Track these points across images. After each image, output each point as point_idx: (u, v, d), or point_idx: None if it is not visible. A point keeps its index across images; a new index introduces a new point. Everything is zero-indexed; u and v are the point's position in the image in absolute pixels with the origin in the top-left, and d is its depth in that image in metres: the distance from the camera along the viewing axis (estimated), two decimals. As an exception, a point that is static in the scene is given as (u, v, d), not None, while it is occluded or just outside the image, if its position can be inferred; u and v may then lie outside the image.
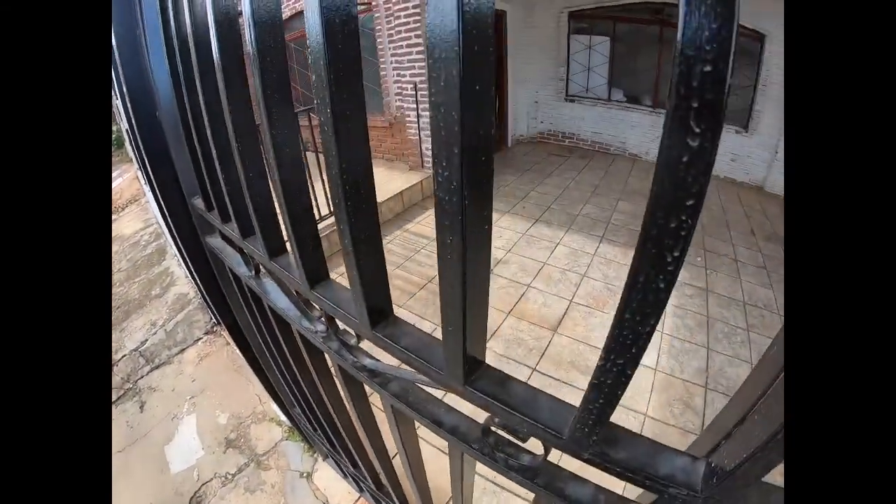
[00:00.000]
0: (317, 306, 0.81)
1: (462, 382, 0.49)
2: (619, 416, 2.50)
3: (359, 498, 2.11)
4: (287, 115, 0.59)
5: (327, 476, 2.30)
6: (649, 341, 0.33)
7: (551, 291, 3.73)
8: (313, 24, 0.40)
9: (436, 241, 0.40)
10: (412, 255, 4.39)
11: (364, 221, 0.50)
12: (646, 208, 0.27)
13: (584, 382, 2.75)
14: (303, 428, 2.06)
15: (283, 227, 0.81)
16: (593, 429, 0.42)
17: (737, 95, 6.52)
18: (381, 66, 5.78)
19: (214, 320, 3.81)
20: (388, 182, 5.53)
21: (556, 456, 0.51)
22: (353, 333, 0.71)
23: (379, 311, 0.57)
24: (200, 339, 3.77)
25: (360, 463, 1.52)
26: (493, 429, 0.55)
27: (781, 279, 3.81)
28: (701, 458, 0.43)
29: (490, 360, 2.57)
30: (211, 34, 0.63)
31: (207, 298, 1.66)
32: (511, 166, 6.93)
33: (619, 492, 0.55)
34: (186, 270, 3.20)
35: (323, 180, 3.80)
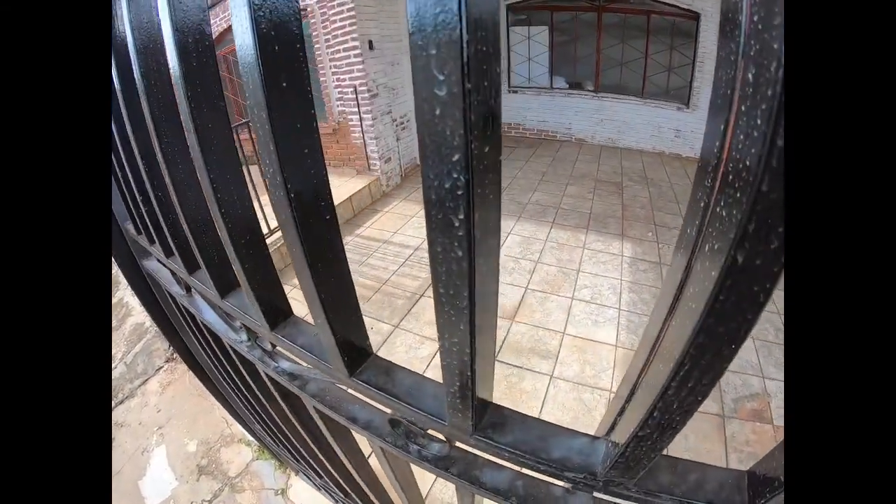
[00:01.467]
0: (233, 315, 0.81)
1: (347, 374, 0.50)
2: (584, 396, 2.56)
3: None
4: (176, 137, 0.59)
5: (302, 490, 2.29)
6: (474, 317, 0.32)
7: (506, 281, 3.76)
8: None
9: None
10: (365, 259, 4.36)
11: (242, 225, 0.50)
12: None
13: (546, 367, 2.82)
14: (268, 445, 2.03)
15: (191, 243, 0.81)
16: (465, 412, 0.42)
17: (676, 74, 6.72)
18: (321, 71, 5.73)
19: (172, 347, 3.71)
20: (337, 188, 5.47)
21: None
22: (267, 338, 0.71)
23: (275, 312, 0.57)
24: (161, 367, 3.67)
25: (322, 474, 1.51)
26: (399, 419, 0.55)
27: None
28: (601, 438, 0.43)
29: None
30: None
31: (154, 323, 1.63)
32: (460, 162, 6.98)
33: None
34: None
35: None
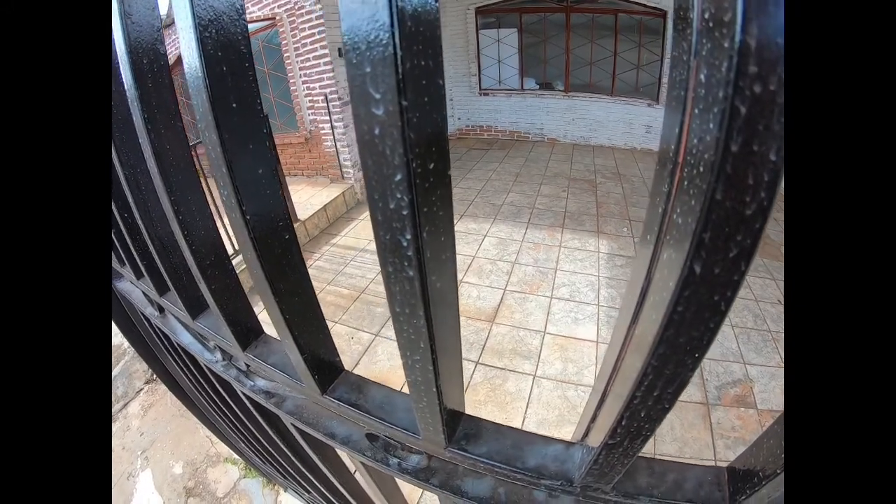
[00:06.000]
0: (205, 336, 0.80)
1: (319, 392, 0.49)
2: (569, 393, 2.58)
3: None
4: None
5: (291, 505, 2.24)
6: (433, 334, 0.32)
7: (484, 283, 3.77)
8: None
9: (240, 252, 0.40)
10: (342, 268, 4.33)
11: (206, 246, 0.49)
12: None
13: (528, 367, 2.82)
14: (254, 462, 2.00)
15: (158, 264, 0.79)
16: (435, 425, 0.41)
17: (645, 71, 6.83)
18: (291, 80, 5.69)
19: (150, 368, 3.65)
20: (311, 198, 5.45)
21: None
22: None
23: (246, 332, 0.57)
24: (142, 389, 3.61)
25: (310, 489, 1.50)
26: (376, 434, 0.55)
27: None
28: (576, 444, 0.42)
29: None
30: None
31: (129, 346, 1.60)
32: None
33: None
34: (114, 321, 3.06)
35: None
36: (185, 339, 0.93)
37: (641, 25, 6.63)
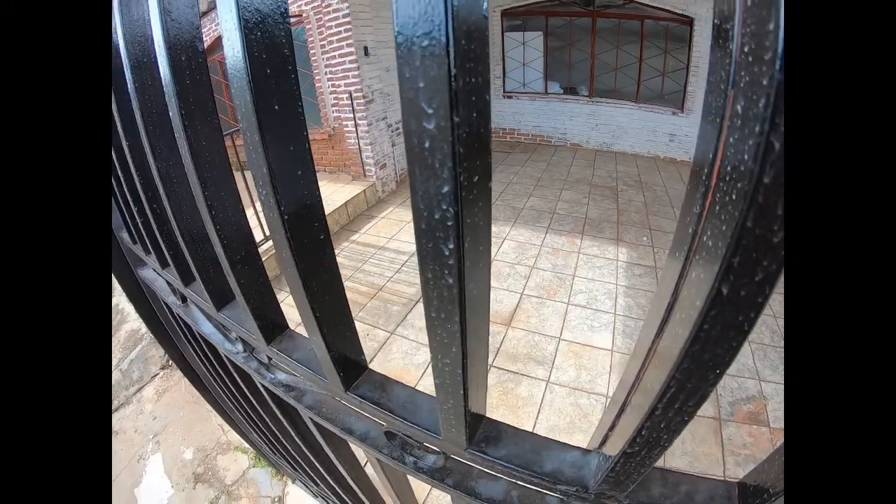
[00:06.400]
0: (228, 328, 0.81)
1: (343, 389, 0.50)
2: (581, 401, 2.57)
3: None
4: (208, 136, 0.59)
5: (298, 498, 2.28)
6: (466, 340, 0.33)
7: (502, 286, 3.76)
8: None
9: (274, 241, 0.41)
10: (360, 265, 4.35)
11: (237, 241, 0.50)
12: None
13: (542, 372, 2.81)
14: (265, 453, 2.03)
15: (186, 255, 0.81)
16: (458, 427, 0.42)
17: (670, 78, 6.76)
18: (316, 77, 5.72)
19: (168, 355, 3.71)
20: (333, 194, 5.48)
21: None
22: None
23: (271, 327, 0.58)
24: (157, 374, 3.66)
25: (319, 482, 1.51)
26: (395, 432, 0.56)
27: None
28: (593, 452, 0.43)
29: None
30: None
31: (149, 332, 1.63)
32: (454, 166, 6.97)
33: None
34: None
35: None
36: (207, 328, 0.94)
37: (668, 32, 6.57)
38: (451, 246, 0.26)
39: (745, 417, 2.50)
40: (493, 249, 4.34)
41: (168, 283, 1.06)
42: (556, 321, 3.21)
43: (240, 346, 0.81)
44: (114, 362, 3.97)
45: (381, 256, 4.46)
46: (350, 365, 0.49)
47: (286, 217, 0.35)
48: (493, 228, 3.79)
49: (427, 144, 0.24)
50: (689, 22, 6.26)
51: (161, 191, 0.63)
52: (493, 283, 3.74)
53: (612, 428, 0.40)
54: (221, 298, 0.69)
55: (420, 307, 3.55)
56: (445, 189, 0.24)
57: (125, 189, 0.85)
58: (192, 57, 0.48)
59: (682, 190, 5.72)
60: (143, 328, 4.25)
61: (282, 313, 0.59)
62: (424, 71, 0.22)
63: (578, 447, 0.44)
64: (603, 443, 0.42)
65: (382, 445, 0.60)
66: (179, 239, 0.66)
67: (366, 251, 4.61)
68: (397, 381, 0.50)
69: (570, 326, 3.13)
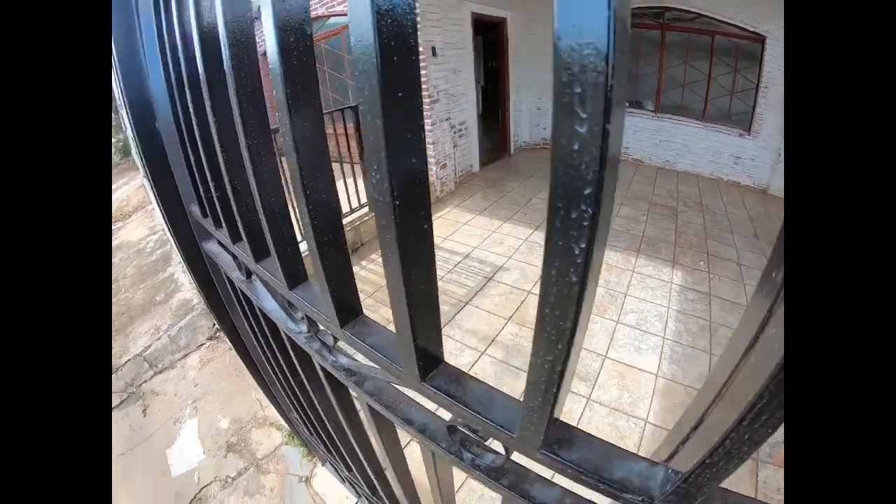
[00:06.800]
0: (297, 307, 0.83)
1: (419, 379, 0.50)
2: (619, 422, 2.51)
3: (356, 503, 2.10)
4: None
5: (326, 481, 2.31)
6: (573, 337, 0.33)
7: (554, 297, 3.67)
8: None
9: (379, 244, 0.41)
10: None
11: (327, 223, 0.51)
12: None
13: (584, 388, 2.77)
14: (301, 433, 2.07)
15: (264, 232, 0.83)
16: (539, 427, 0.42)
17: (739, 98, 6.53)
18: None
19: (217, 326, 3.84)
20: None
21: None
22: (331, 333, 0.73)
23: (347, 310, 0.59)
24: (203, 344, 3.80)
25: (353, 468, 1.54)
26: (458, 427, 0.56)
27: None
28: (660, 464, 0.43)
29: (489, 366, 2.52)
30: (195, 46, 0.65)
31: (206, 303, 1.69)
32: (514, 173, 6.91)
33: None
34: (190, 276, 3.24)
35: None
36: (270, 305, 0.97)
37: (738, 50, 6.33)
38: (583, 245, 0.27)
39: (783, 461, 2.38)
40: (544, 259, 4.28)
41: (235, 257, 1.10)
42: (603, 338, 3.14)
43: (303, 327, 0.82)
44: (163, 327, 4.16)
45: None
46: (429, 356, 0.49)
47: (397, 203, 0.36)
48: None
49: (576, 146, 0.24)
50: (760, 40, 6.01)
51: (249, 168, 0.65)
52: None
53: (684, 441, 0.42)
54: (294, 277, 0.71)
55: (469, 310, 3.55)
56: (588, 191, 0.25)
57: (204, 164, 0.89)
58: (300, 39, 0.49)
59: (743, 216, 5.51)
60: (196, 299, 4.43)
61: (358, 298, 0.60)
62: (583, 78, 0.22)
63: (646, 458, 0.44)
64: (671, 457, 0.42)
65: (441, 439, 0.61)
66: (261, 215, 0.68)
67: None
68: (472, 377, 0.50)
69: (617, 345, 3.06)
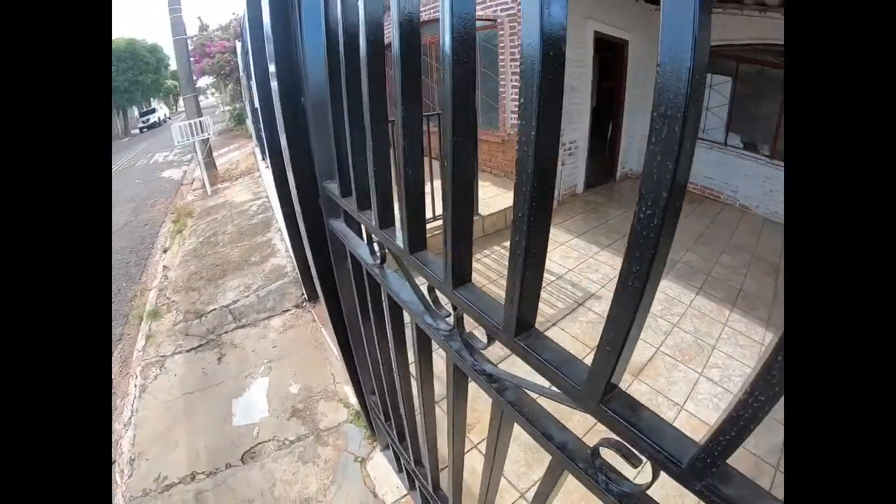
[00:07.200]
0: (445, 306, 0.87)
1: (598, 401, 0.52)
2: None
3: (405, 495, 2.12)
4: (470, 122, 0.65)
5: (381, 465, 2.33)
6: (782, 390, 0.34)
7: (640, 336, 3.51)
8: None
9: (621, 270, 0.43)
10: (503, 271, 4.30)
11: (538, 236, 0.54)
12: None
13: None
14: (373, 416, 2.11)
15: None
16: (715, 461, 0.43)
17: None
18: (501, 82, 5.87)
19: (306, 296, 4.01)
20: (495, 197, 5.59)
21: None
22: (482, 338, 0.76)
23: (525, 322, 0.62)
24: (289, 310, 3.98)
25: (424, 461, 1.56)
26: (600, 451, 0.58)
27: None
28: None
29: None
30: (393, 32, 0.69)
31: (316, 276, 1.76)
32: (617, 201, 6.69)
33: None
34: (292, 245, 3.38)
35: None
36: (407, 297, 1.01)
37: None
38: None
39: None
40: (638, 295, 4.14)
41: (376, 243, 1.13)
42: (684, 388, 3.00)
43: (445, 325, 0.86)
44: (253, 287, 4.41)
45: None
46: (610, 381, 0.51)
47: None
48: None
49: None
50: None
51: (449, 160, 0.67)
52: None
53: None
54: (460, 277, 0.74)
55: (554, 332, 3.50)
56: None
57: (370, 146, 0.93)
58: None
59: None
60: (290, 267, 4.66)
61: (536, 313, 0.62)
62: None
63: None
64: None
65: (580, 460, 0.63)
66: (448, 215, 0.70)
67: (512, 259, 4.59)
68: (645, 405, 0.52)
69: (697, 398, 2.91)
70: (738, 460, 0.42)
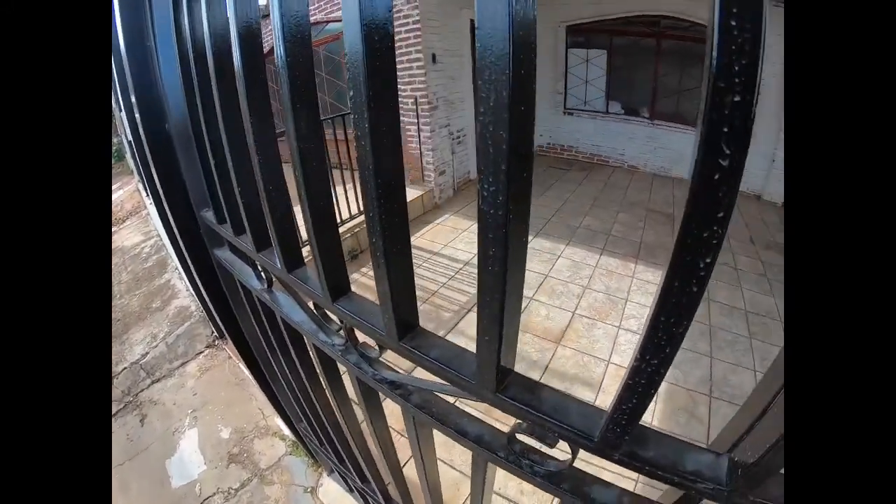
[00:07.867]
0: (335, 319, 0.82)
1: (494, 390, 0.50)
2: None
3: None
4: (314, 125, 0.60)
5: (332, 491, 2.28)
6: (681, 342, 0.35)
7: (554, 304, 3.71)
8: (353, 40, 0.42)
9: (477, 253, 0.41)
10: (414, 269, 4.32)
11: (396, 235, 0.51)
12: (682, 220, 0.29)
13: (588, 394, 2.76)
14: (308, 443, 2.05)
15: (299, 240, 0.82)
16: (626, 429, 0.43)
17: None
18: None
19: (216, 334, 3.80)
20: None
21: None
22: (375, 346, 0.72)
23: (406, 324, 0.58)
24: (202, 352, 3.75)
25: (369, 477, 1.52)
26: (517, 436, 0.57)
27: (782, 287, 3.82)
28: (723, 454, 0.45)
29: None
30: (233, 42, 0.64)
31: (213, 311, 1.65)
32: (511, 179, 6.93)
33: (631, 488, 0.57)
34: (189, 283, 3.19)
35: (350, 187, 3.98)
36: (298, 317, 0.95)
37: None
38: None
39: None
40: (547, 266, 4.32)
41: (256, 267, 1.07)
42: (606, 344, 3.15)
43: (339, 339, 0.81)
44: (160, 335, 4.11)
45: (434, 262, 4.48)
46: (505, 368, 0.49)
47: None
48: (548, 244, 3.76)
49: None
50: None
51: (299, 170, 0.63)
52: (545, 299, 3.75)
53: (747, 432, 0.43)
54: (337, 290, 0.70)
55: (471, 317, 3.54)
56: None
57: (230, 168, 0.86)
58: (383, 39, 0.48)
59: (738, 222, 5.57)
60: (193, 306, 4.39)
61: (416, 313, 0.59)
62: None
63: (711, 450, 0.46)
64: (734, 446, 0.44)
65: (498, 448, 0.61)
66: (311, 229, 0.66)
67: (420, 255, 4.63)
68: (544, 384, 0.50)
69: (620, 350, 3.07)
70: (673, 396, 0.42)
